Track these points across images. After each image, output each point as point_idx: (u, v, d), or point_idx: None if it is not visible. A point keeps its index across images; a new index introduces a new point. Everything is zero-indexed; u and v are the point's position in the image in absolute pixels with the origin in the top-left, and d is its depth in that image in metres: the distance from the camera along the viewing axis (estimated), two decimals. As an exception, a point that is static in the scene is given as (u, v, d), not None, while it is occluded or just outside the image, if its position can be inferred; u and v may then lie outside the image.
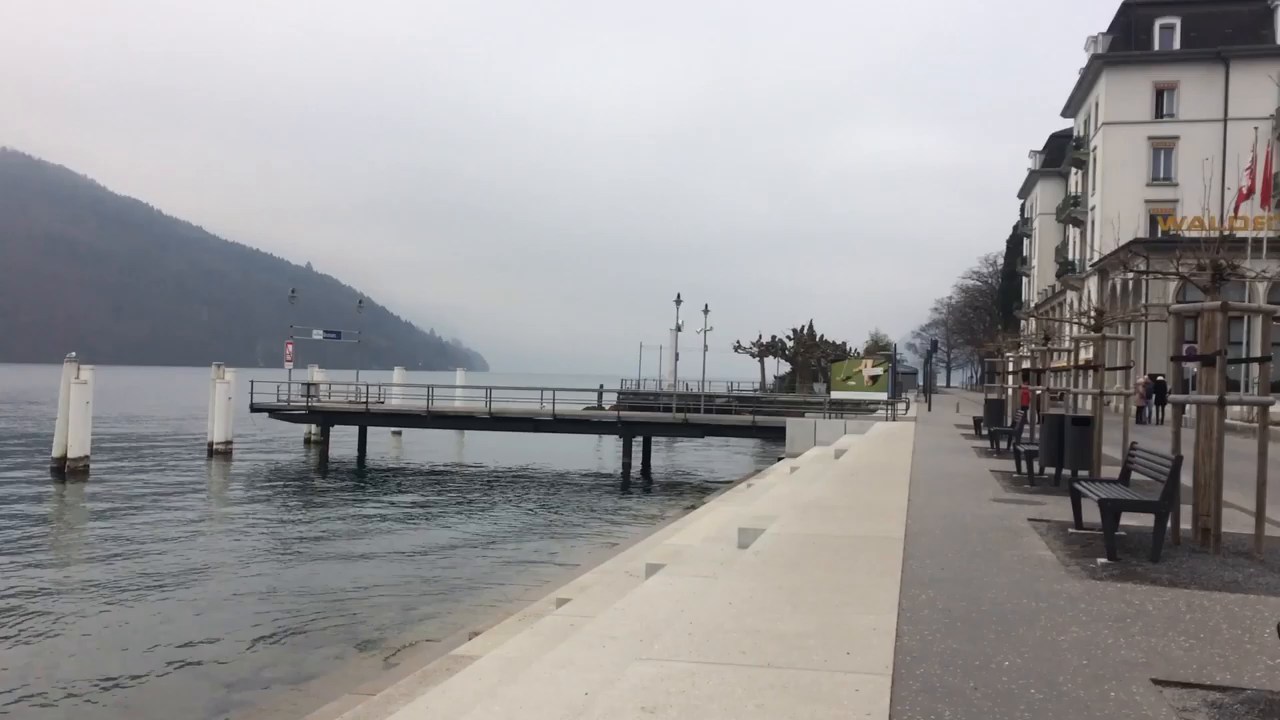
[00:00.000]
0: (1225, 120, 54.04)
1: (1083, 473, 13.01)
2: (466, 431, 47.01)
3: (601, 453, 47.22)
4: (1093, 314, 14.22)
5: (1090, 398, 16.05)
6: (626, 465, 39.27)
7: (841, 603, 6.40)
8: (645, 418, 42.70)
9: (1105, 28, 59.60)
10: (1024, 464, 14.33)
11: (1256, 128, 51.91)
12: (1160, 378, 34.45)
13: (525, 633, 9.42)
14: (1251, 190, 37.95)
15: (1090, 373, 15.48)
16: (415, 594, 16.80)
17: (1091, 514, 9.73)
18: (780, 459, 33.16)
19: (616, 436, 41.45)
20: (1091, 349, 25.35)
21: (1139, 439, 13.52)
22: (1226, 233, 44.49)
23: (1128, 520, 9.46)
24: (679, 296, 47.20)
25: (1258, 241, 36.50)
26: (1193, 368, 26.10)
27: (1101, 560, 7.97)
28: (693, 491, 32.22)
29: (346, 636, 14.11)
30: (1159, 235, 50.03)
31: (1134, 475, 9.67)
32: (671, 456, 47.94)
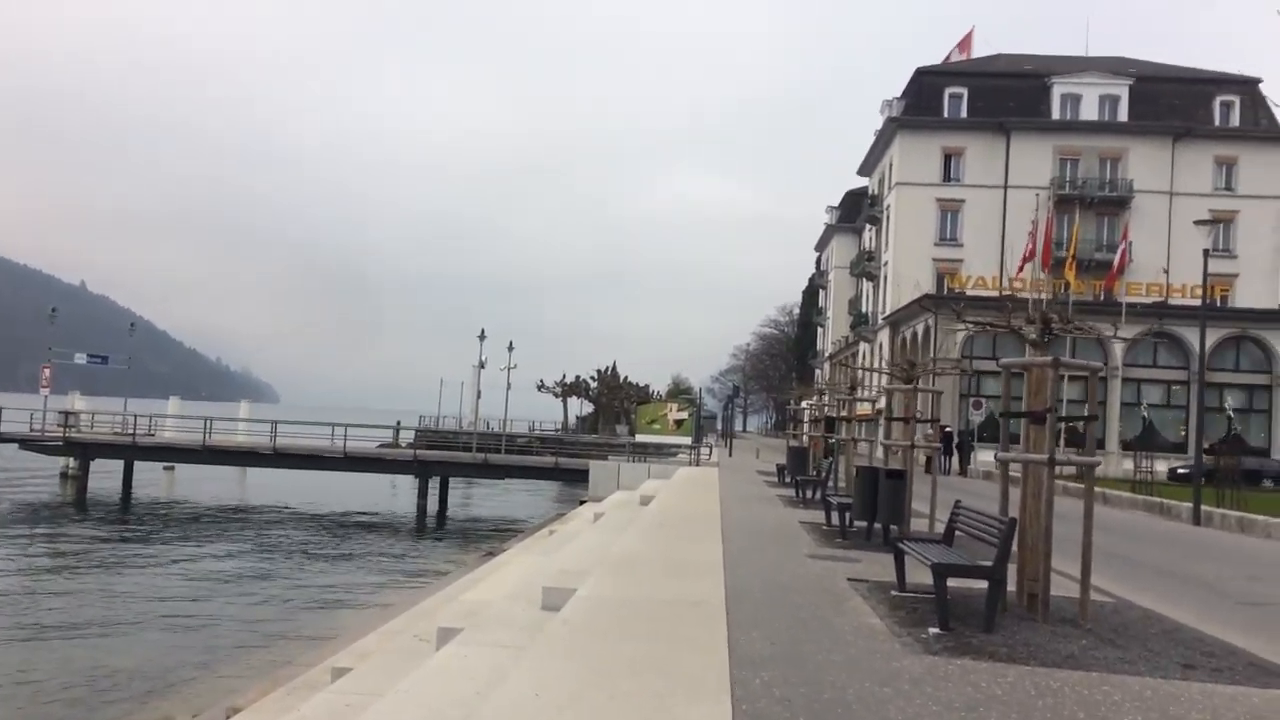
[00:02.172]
0: (1006, 187, 57.63)
1: (894, 527, 12.75)
2: (250, 469, 43.84)
3: (396, 493, 45.03)
4: (904, 365, 14.11)
5: (887, 449, 15.99)
6: (422, 507, 37.44)
7: (665, 690, 5.52)
8: (443, 457, 40.99)
9: (900, 93, 62.69)
10: (836, 516, 13.97)
11: (1039, 194, 55.69)
12: (948, 429, 35.78)
13: (291, 716, 8.10)
14: (1033, 253, 40.29)
15: (884, 421, 15.41)
16: (173, 657, 14.85)
17: (914, 575, 9.30)
18: (583, 502, 32.32)
19: (413, 476, 39.55)
20: (883, 400, 25.73)
21: (945, 493, 13.43)
22: (1007, 293, 47.16)
23: (951, 581, 9.06)
24: (483, 332, 45.76)
25: (1036, 302, 38.67)
26: (978, 417, 26.82)
27: (934, 630, 7.44)
28: (492, 536, 30.88)
29: (83, 715, 12.14)
30: (946, 292, 52.65)
31: (957, 533, 9.30)
32: (470, 498, 46.29)
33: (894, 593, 9.09)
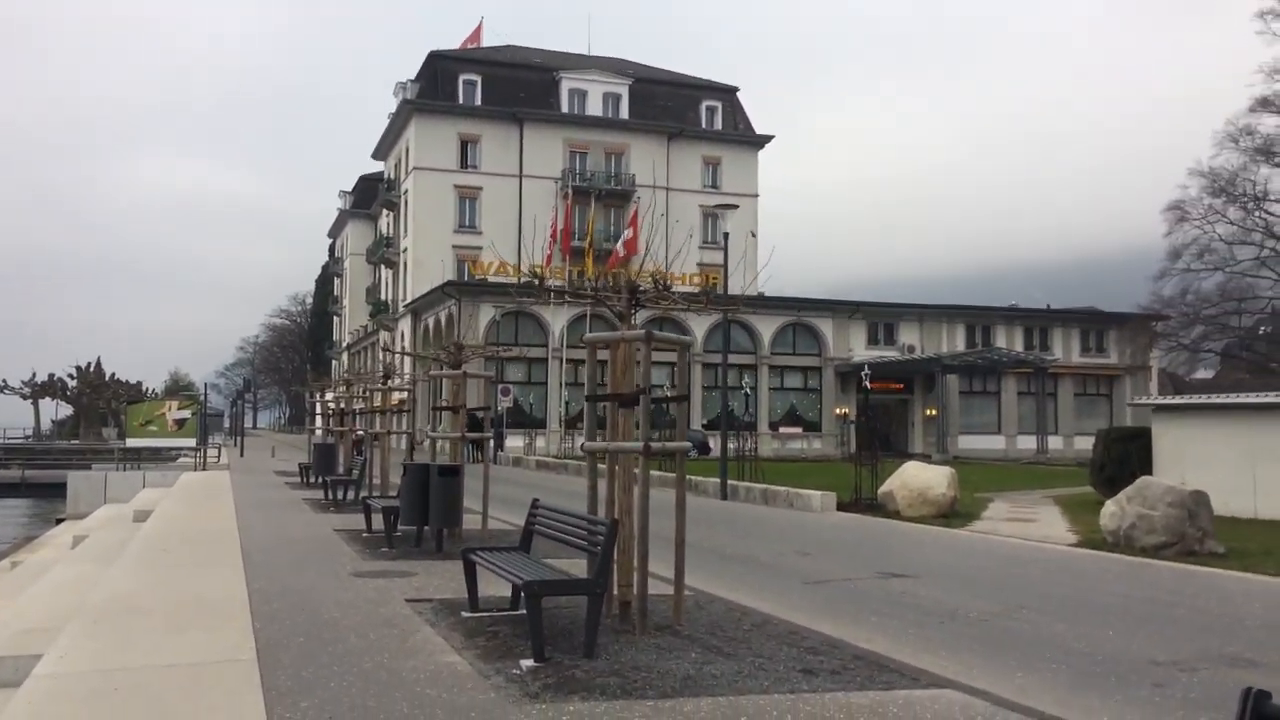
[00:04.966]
0: (521, 176, 58.63)
1: (446, 530, 11.39)
2: None
3: None
4: (451, 348, 12.75)
5: (434, 441, 14.63)
6: None
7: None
8: None
9: (414, 75, 61.38)
10: (380, 521, 12.26)
11: (556, 183, 57.30)
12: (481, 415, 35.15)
13: None
14: (555, 239, 41.04)
15: (431, 411, 14.03)
16: None
17: (487, 587, 7.96)
18: (60, 521, 27.36)
19: None
20: (414, 388, 24.31)
21: (477, 483, 12.28)
22: (526, 279, 47.77)
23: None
24: (-85, 321, 37.43)
25: (560, 290, 39.35)
26: (505, 402, 26.28)
27: (528, 663, 6.12)
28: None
29: None
30: (468, 278, 52.40)
31: (535, 536, 8.09)
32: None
33: (465, 614, 7.67)
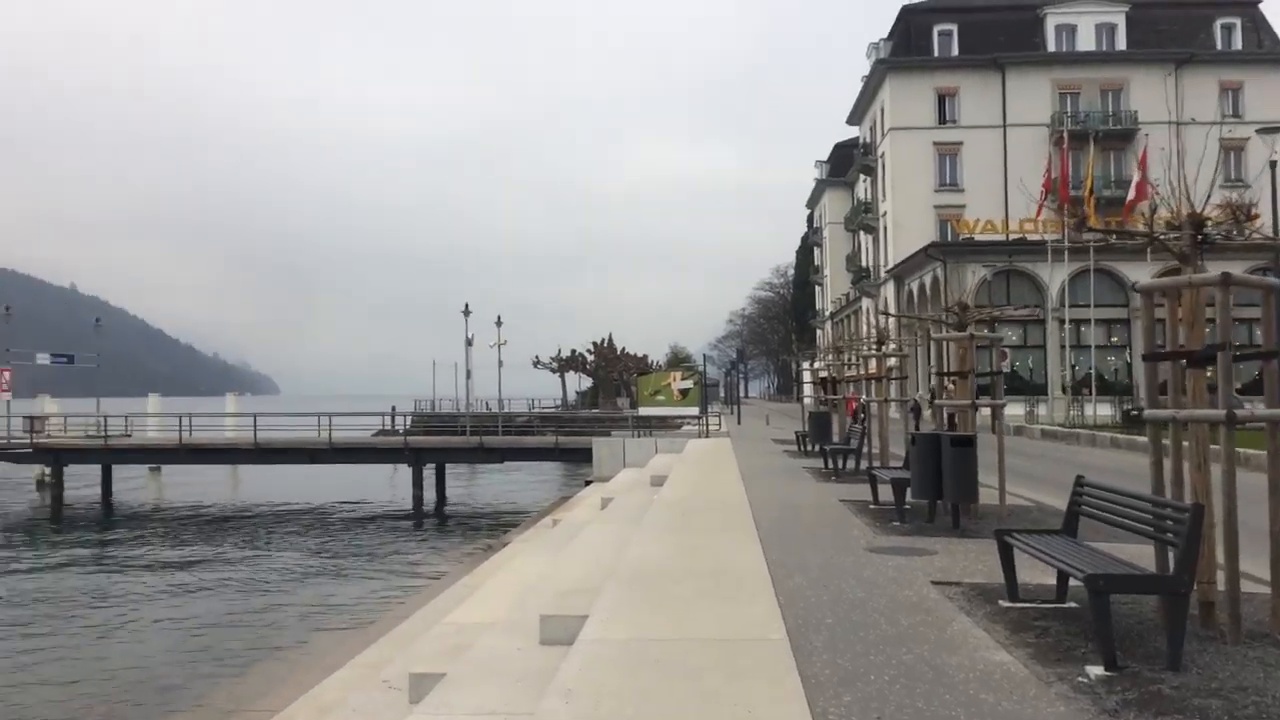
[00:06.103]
0: (1004, 126, 55.15)
1: (949, 502, 10.60)
2: (241, 465, 41.51)
3: (396, 484, 42.79)
4: (955, 309, 11.91)
5: (946, 411, 13.81)
6: (418, 498, 35.33)
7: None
8: (435, 443, 38.80)
9: (886, 34, 60.04)
10: (887, 492, 11.78)
11: (1049, 130, 53.21)
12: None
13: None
14: (1049, 188, 37.98)
15: (935, 378, 13.16)
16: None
17: (1021, 572, 7.13)
18: (588, 483, 30.27)
19: (407, 465, 37.37)
20: (899, 355, 23.48)
21: (986, 455, 11.23)
22: (1016, 235, 44.75)
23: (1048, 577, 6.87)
24: (467, 307, 43.45)
25: (1054, 243, 36.30)
26: (1004, 368, 24.45)
27: (1096, 670, 5.25)
28: (492, 528, 28.75)
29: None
30: (951, 239, 50.35)
31: (1081, 519, 7.09)
32: (472, 484, 44.10)
33: (1004, 603, 6.90)
